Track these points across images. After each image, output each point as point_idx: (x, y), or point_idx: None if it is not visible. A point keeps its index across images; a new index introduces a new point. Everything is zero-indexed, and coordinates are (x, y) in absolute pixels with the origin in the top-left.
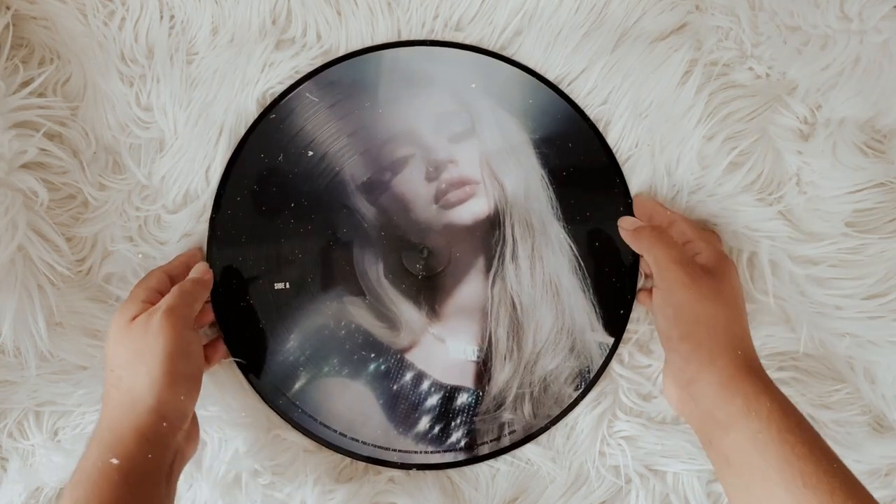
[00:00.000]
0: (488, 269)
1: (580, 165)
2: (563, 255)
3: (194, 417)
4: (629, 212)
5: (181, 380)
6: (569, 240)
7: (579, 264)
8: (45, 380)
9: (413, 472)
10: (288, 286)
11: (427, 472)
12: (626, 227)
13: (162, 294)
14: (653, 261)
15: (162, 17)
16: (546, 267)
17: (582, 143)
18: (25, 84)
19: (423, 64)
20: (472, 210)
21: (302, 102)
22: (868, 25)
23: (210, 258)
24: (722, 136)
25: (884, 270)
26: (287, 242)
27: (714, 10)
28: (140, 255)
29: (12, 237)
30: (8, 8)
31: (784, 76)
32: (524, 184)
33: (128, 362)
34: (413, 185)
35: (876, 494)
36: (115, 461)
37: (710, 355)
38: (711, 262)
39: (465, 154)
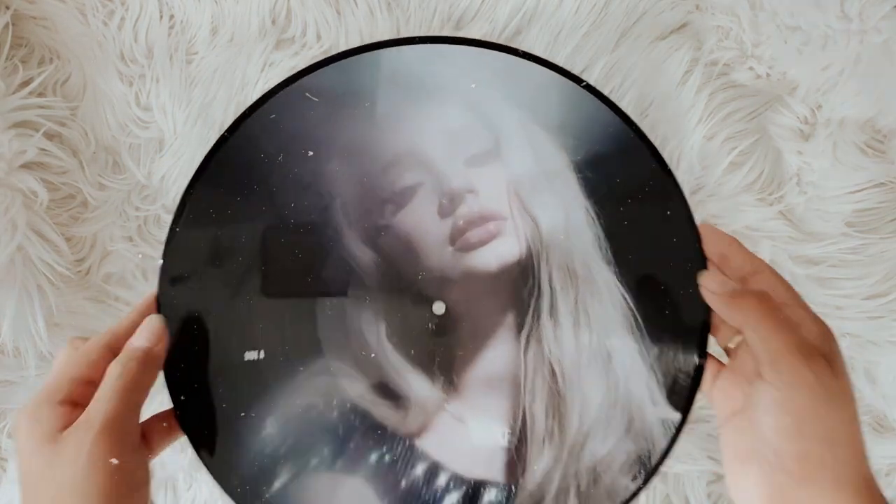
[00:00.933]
0: (520, 328)
1: (636, 195)
2: (616, 308)
3: None
4: (700, 256)
5: None
6: (622, 289)
7: (636, 320)
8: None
9: None
10: (262, 356)
11: None
12: (712, 288)
13: (96, 384)
14: (761, 344)
15: (161, 17)
16: (594, 325)
17: (637, 167)
18: (25, 84)
19: (432, 66)
20: (499, 253)
21: (280, 113)
22: (868, 25)
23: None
24: (722, 136)
25: (884, 270)
26: (260, 299)
27: (714, 10)
28: (140, 256)
29: (12, 237)
30: (7, 7)
31: (784, 76)
32: (564, 218)
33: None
34: (422, 223)
35: None
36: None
37: (833, 483)
38: (821, 342)
39: (487, 182)
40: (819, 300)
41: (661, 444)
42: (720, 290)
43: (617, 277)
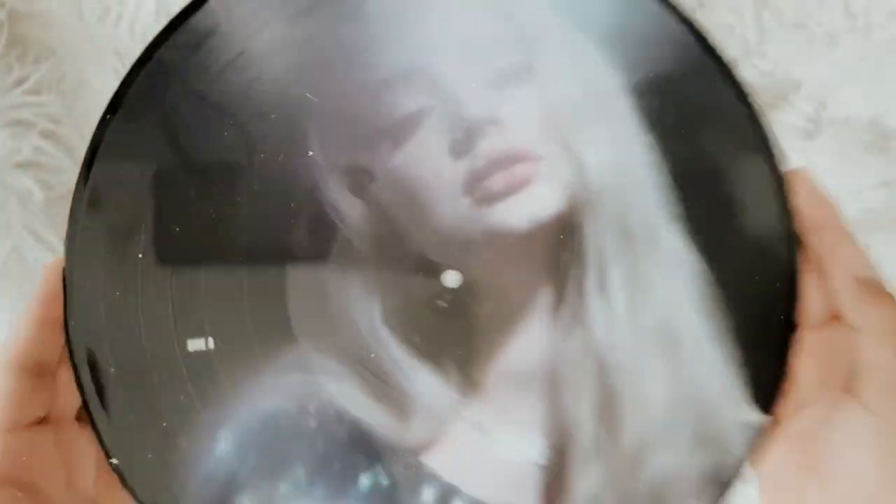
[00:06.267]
0: (559, 307)
1: (711, 128)
2: (686, 281)
3: None
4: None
5: None
6: (695, 256)
7: (713, 298)
8: None
9: None
10: (212, 345)
11: None
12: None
13: None
14: (876, 359)
15: (158, 15)
16: (656, 303)
17: (711, 92)
18: (20, 82)
19: None
20: (531, 206)
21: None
22: (874, 23)
23: (69, 301)
24: None
25: (890, 270)
26: (208, 264)
27: (718, 7)
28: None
29: (7, 237)
30: (3, 5)
31: (789, 74)
32: (618, 160)
33: None
34: (429, 164)
35: None
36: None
37: None
38: None
39: (516, 109)
40: None
41: (741, 454)
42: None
43: (688, 240)
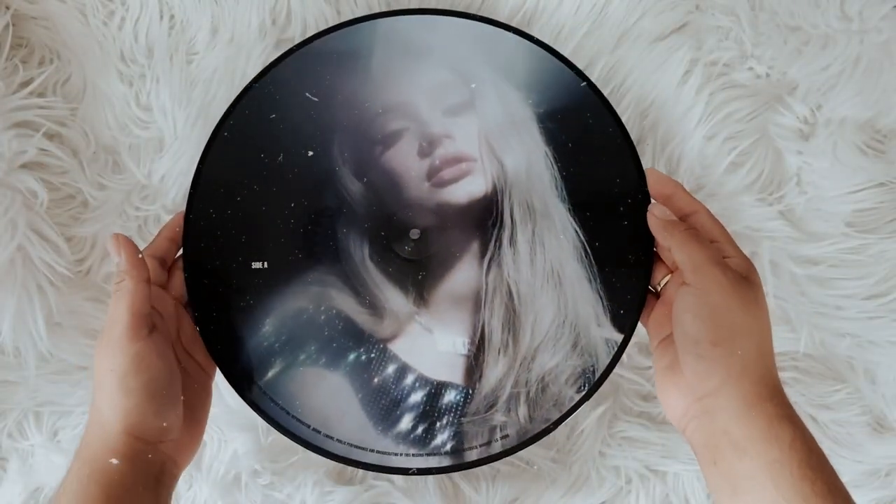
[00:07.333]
0: (483, 253)
1: (589, 143)
2: (568, 240)
3: (193, 421)
4: (645, 196)
5: (144, 399)
6: (574, 224)
7: (585, 251)
8: (44, 380)
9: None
10: (266, 266)
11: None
12: (657, 214)
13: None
14: (685, 258)
15: (161, 17)
16: (548, 253)
17: (592, 120)
18: (25, 84)
19: (422, 33)
20: (468, 189)
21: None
22: (868, 25)
23: (183, 234)
24: (722, 136)
25: (884, 270)
26: (266, 219)
27: (714, 10)
28: (140, 256)
29: (12, 237)
30: (7, 7)
31: (784, 76)
32: (526, 162)
33: (96, 380)
34: (405, 161)
35: (876, 495)
36: (114, 461)
37: (741, 368)
38: (743, 269)
39: (461, 129)
40: (819, 300)
41: (604, 361)
42: (662, 217)
43: (570, 213)
